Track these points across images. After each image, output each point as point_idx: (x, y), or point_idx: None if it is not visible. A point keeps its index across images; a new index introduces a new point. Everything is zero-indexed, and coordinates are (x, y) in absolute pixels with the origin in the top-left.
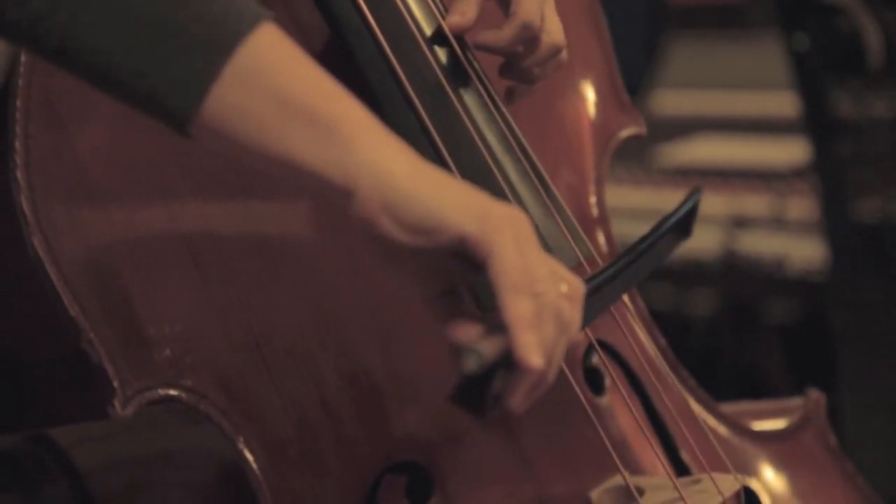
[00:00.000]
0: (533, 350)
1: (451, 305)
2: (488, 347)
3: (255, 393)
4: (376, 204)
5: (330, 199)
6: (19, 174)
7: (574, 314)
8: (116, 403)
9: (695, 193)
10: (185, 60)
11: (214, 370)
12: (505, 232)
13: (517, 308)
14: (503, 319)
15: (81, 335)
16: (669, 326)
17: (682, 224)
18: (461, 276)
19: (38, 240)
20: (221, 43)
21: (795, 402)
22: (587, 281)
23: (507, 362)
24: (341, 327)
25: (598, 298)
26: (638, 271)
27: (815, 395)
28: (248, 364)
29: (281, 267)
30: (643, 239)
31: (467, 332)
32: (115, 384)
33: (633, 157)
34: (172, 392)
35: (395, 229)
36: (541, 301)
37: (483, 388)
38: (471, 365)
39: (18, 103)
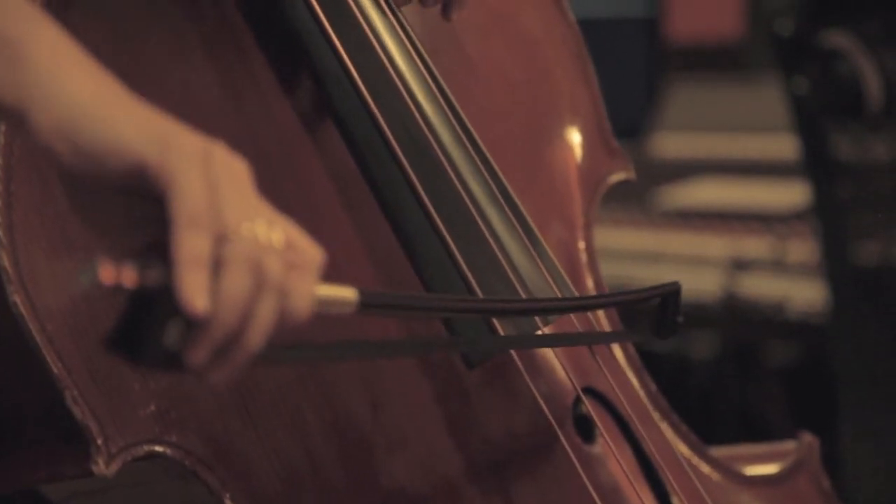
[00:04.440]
0: (194, 291)
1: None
2: (115, 267)
3: (241, 447)
4: (49, 125)
5: (13, 126)
6: (1, 232)
7: (292, 279)
8: (100, 461)
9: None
10: None
11: (200, 425)
12: (190, 162)
13: (187, 243)
14: (170, 257)
15: (65, 392)
16: (670, 368)
17: (657, 322)
18: (160, 223)
19: (20, 297)
20: None
21: (788, 445)
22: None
23: (175, 307)
24: (327, 378)
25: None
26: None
27: (808, 438)
28: (233, 418)
29: None
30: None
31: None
32: (99, 441)
33: (633, 200)
34: (157, 448)
35: (71, 157)
36: (229, 245)
37: (144, 331)
38: (82, 279)
39: (0, 161)
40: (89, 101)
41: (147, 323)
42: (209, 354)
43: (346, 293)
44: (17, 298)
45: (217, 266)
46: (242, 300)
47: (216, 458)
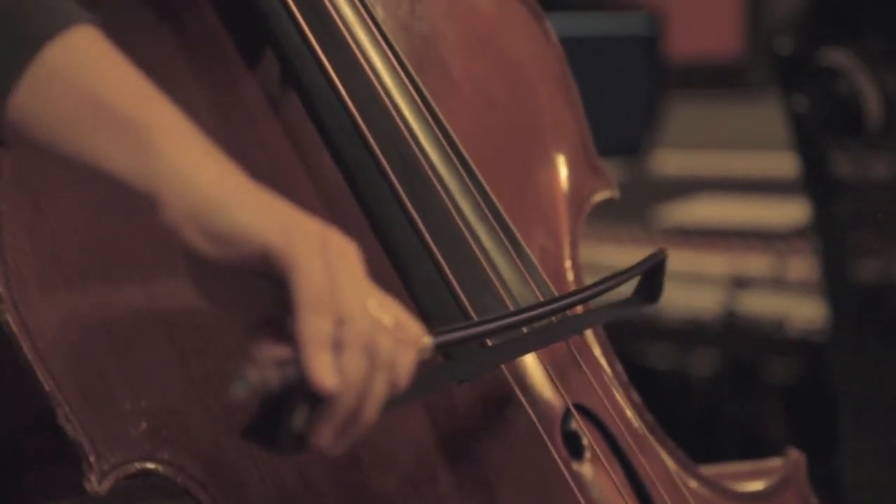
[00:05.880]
0: (323, 372)
1: (271, 335)
2: (262, 375)
3: (233, 464)
4: (180, 211)
5: (143, 207)
6: None
7: (399, 355)
8: (93, 478)
9: (656, 256)
10: None
11: (192, 442)
12: (311, 248)
13: (312, 326)
14: (296, 338)
15: (57, 410)
16: (670, 386)
17: (645, 289)
18: (276, 301)
19: (12, 316)
20: (26, 42)
21: (775, 462)
22: (466, 327)
23: (304, 393)
24: None
25: (512, 343)
26: (570, 324)
27: (795, 454)
28: (225, 436)
29: None
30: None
31: (261, 354)
32: (92, 459)
33: (633, 217)
34: (149, 465)
35: (199, 239)
36: (347, 328)
37: (276, 421)
38: (235, 392)
39: None
40: (216, 189)
41: (278, 413)
42: (333, 434)
43: (424, 340)
44: (8, 317)
45: (337, 347)
46: (361, 379)
47: (208, 475)
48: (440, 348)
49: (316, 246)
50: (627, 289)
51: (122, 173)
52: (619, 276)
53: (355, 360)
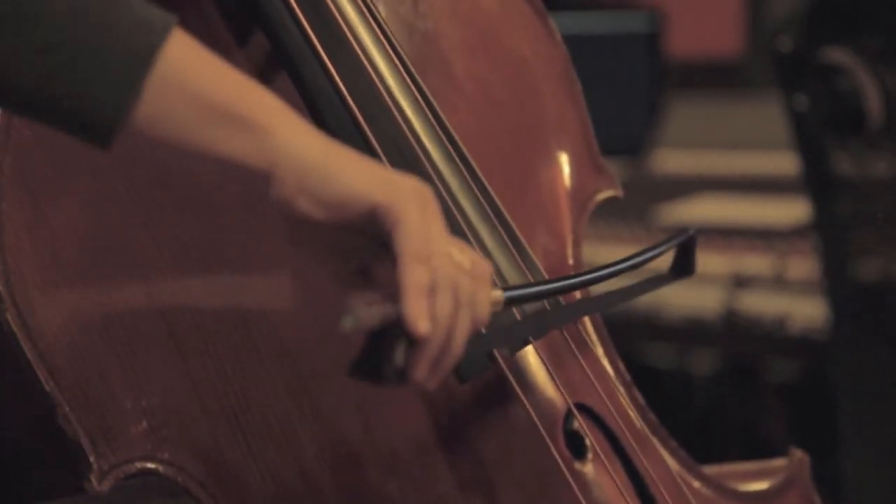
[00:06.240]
0: (420, 316)
1: (362, 282)
2: (368, 311)
3: (233, 464)
4: (293, 184)
5: (253, 185)
6: None
7: (477, 291)
8: (93, 478)
9: (687, 233)
10: (103, 80)
11: (192, 442)
12: (411, 202)
13: (414, 276)
14: (400, 285)
15: (57, 409)
16: (670, 385)
17: (678, 263)
18: (371, 252)
19: (12, 315)
20: (138, 58)
21: (778, 462)
22: (522, 286)
23: (401, 331)
24: (319, 396)
25: (550, 311)
26: (608, 299)
27: (798, 454)
28: (225, 435)
29: (257, 337)
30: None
31: (362, 297)
32: (92, 459)
33: (634, 216)
34: (150, 465)
35: (312, 206)
36: (437, 273)
37: (379, 357)
38: (345, 325)
39: None
40: (324, 160)
41: (381, 349)
42: (428, 368)
43: (496, 294)
44: (8, 317)
45: (431, 292)
46: (450, 317)
47: (208, 475)
48: (510, 302)
49: (414, 200)
50: (622, 281)
51: (239, 157)
52: (655, 250)
53: (444, 301)
